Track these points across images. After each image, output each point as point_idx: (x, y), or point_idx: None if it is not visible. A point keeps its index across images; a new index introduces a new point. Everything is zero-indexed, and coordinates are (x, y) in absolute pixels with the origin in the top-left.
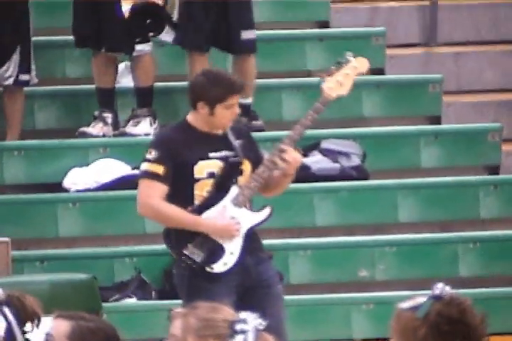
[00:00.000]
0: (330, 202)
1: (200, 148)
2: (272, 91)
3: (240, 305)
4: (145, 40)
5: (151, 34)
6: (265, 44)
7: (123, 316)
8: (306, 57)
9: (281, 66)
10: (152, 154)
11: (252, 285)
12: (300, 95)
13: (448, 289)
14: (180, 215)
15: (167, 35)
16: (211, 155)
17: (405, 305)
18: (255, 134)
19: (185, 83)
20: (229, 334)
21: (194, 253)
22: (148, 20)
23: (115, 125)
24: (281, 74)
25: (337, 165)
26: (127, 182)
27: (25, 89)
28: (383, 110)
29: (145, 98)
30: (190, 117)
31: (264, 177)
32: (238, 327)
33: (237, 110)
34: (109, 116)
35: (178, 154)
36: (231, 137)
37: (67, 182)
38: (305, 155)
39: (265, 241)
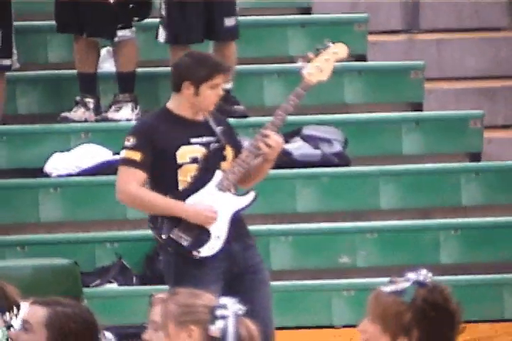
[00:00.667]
0: (311, 189)
1: (182, 133)
2: (254, 77)
3: (227, 292)
4: (128, 25)
5: (135, 19)
6: (247, 30)
7: (104, 301)
8: (288, 44)
9: (263, 52)
10: (130, 141)
11: (240, 272)
12: (282, 81)
13: (430, 275)
14: (157, 201)
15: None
16: (193, 140)
17: (387, 288)
18: (237, 120)
19: (167, 69)
20: (209, 319)
21: (181, 237)
22: (131, 5)
23: (97, 110)
24: (263, 60)
25: (318, 152)
26: (109, 168)
27: (7, 74)
28: (365, 96)
29: (127, 83)
30: (171, 103)
31: (248, 162)
32: (218, 312)
33: (221, 91)
34: (90, 102)
35: (158, 140)
36: (212, 123)
37: (48, 168)
38: (287, 141)
39: None
